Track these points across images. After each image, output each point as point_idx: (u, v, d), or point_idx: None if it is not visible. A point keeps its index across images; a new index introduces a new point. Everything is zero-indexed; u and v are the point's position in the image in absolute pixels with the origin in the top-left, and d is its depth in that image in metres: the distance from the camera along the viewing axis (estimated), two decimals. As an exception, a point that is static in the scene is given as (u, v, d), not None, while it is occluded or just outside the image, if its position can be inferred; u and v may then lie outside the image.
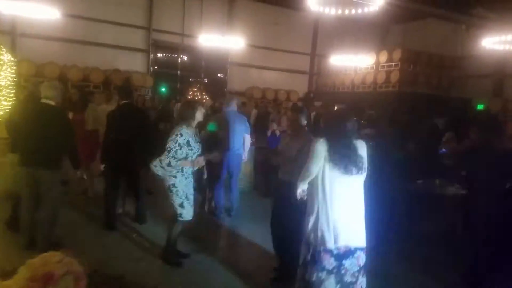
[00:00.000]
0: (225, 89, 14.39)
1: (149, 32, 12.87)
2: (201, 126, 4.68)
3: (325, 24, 14.45)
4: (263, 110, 10.76)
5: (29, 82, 10.15)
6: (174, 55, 14.05)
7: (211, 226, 5.22)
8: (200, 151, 3.75)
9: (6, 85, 8.88)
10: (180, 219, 3.75)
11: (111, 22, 11.91)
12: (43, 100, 3.73)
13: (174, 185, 3.69)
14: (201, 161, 3.82)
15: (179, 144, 3.55)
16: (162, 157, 3.56)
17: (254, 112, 10.60)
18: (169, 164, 3.55)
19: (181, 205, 3.72)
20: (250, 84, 14.45)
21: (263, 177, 6.91)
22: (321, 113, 9.76)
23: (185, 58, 14.29)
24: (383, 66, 13.19)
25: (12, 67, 9.84)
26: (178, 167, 3.61)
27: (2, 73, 8.76)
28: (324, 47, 15.31)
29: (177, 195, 3.69)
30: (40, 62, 10.61)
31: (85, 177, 6.23)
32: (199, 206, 5.36)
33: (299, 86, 15.61)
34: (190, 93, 13.67)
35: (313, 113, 9.95)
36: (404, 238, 4.68)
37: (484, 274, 3.59)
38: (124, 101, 4.89)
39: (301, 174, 2.88)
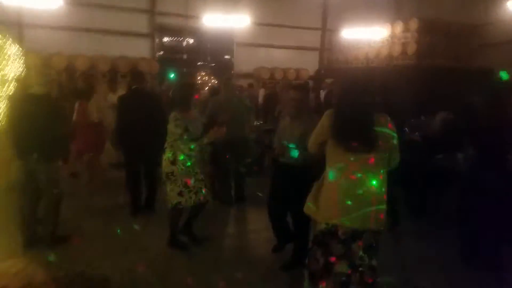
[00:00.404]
0: (232, 71, 14.27)
1: (153, 16, 12.79)
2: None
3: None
4: (271, 91, 10.67)
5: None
6: (179, 38, 13.97)
7: (220, 214, 5.26)
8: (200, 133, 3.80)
9: (15, 77, 9.06)
10: (179, 207, 3.77)
11: (115, 7, 11.88)
12: (32, 90, 3.75)
13: (172, 173, 3.69)
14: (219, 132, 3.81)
15: (178, 128, 3.66)
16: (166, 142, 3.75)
17: (261, 92, 10.50)
18: (172, 146, 3.74)
19: (180, 194, 3.73)
20: (257, 65, 14.29)
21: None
22: (332, 91, 9.59)
23: (191, 41, 14.19)
24: (399, 38, 12.74)
25: (20, 59, 10.03)
26: (182, 148, 3.70)
27: (10, 65, 8.92)
28: (335, 20, 14.88)
29: (176, 183, 3.70)
30: (47, 53, 10.73)
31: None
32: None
33: (310, 63, 15.32)
34: (199, 77, 13.65)
35: (323, 91, 9.82)
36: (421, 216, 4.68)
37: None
38: (135, 86, 4.91)
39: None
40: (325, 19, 15.67)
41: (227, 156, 5.39)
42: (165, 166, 3.69)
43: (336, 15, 14.82)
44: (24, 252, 3.70)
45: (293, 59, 14.93)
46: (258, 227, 4.68)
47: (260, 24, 13.56)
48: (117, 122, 4.92)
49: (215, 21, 11.69)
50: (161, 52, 13.51)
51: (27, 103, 3.66)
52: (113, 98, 6.95)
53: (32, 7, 9.67)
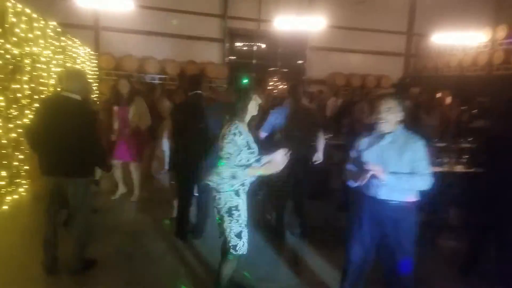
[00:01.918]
0: (303, 77, 13.81)
1: (225, 20, 12.89)
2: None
3: (425, -4, 13.10)
4: (348, 100, 9.91)
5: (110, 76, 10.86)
6: (250, 43, 13.90)
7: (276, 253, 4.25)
8: (258, 152, 2.95)
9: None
10: (234, 252, 2.91)
11: (186, 11, 12.16)
12: (64, 94, 3.26)
13: (237, 207, 2.84)
14: (280, 159, 2.89)
15: (239, 147, 2.77)
16: (221, 169, 2.78)
17: (332, 100, 9.65)
18: (234, 176, 2.77)
19: (239, 235, 2.89)
20: (332, 70, 13.64)
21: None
22: (421, 103, 8.59)
23: (261, 45, 14.03)
24: (501, 44, 11.31)
25: (93, 61, 10.65)
26: (245, 177, 2.84)
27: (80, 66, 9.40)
28: (424, 23, 13.82)
29: (237, 221, 2.86)
30: (119, 55, 11.27)
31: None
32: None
33: (392, 70, 14.27)
34: (270, 83, 13.42)
35: (407, 102, 8.83)
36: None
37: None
38: (193, 92, 4.29)
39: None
40: (412, 22, 14.58)
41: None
42: (227, 197, 2.84)
43: (426, 18, 13.78)
44: (45, 279, 3.29)
45: (373, 64, 14.02)
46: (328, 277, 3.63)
47: (337, 27, 12.95)
48: (171, 134, 4.45)
49: (288, 24, 11.39)
50: (231, 57, 13.53)
51: (56, 109, 3.21)
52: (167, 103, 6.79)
53: (107, 10, 10.20)
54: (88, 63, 9.82)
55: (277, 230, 4.56)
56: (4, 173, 4.55)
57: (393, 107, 2.72)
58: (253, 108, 2.90)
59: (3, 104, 4.56)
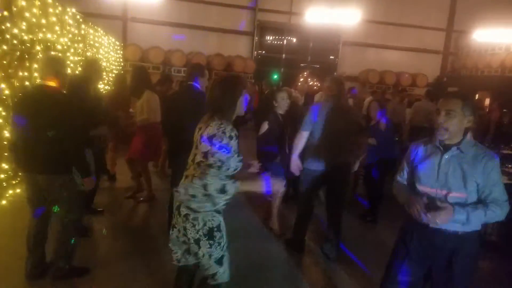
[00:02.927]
0: (335, 73, 13.05)
1: (255, 13, 12.32)
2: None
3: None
4: (380, 98, 9.13)
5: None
6: (280, 37, 13.26)
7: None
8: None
9: (111, 69, 9.29)
10: (213, 282, 2.27)
11: (216, 3, 11.68)
12: (39, 82, 2.90)
13: (219, 228, 2.20)
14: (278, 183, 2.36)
15: (232, 153, 2.12)
16: (206, 178, 2.06)
17: (368, 100, 8.94)
18: (223, 190, 2.08)
19: (220, 261, 2.24)
20: (365, 67, 12.83)
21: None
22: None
23: (292, 40, 13.37)
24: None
25: (118, 51, 10.36)
26: (234, 193, 2.14)
27: (102, 56, 9.11)
28: (464, 20, 12.84)
29: (219, 244, 2.20)
30: (146, 47, 10.95)
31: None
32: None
33: (429, 68, 13.30)
34: (301, 79, 12.77)
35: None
36: None
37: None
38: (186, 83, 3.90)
39: None
40: (452, 18, 13.51)
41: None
42: (207, 216, 2.16)
43: (466, 14, 12.78)
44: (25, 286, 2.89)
45: (408, 62, 13.11)
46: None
47: (372, 21, 12.12)
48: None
49: (320, 17, 10.71)
50: (259, 51, 12.95)
51: (30, 99, 2.85)
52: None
53: (136, 1, 9.88)
54: (112, 53, 9.52)
55: (296, 241, 3.98)
56: (5, 166, 4.20)
57: (457, 109, 2.03)
58: (241, 107, 2.25)
59: (7, 92, 4.19)
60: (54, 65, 2.91)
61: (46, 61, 3.01)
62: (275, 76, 12.85)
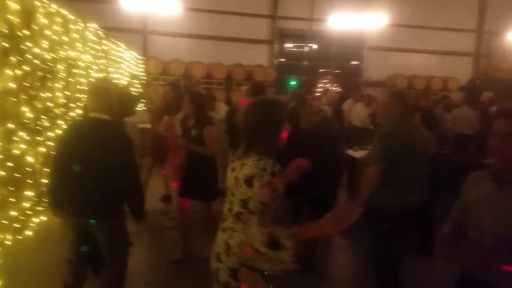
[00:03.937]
0: (360, 79, 12.62)
1: (275, 21, 12.04)
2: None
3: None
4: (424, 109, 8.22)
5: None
6: (301, 44, 12.93)
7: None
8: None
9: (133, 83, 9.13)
10: None
11: (234, 13, 11.47)
12: (92, 114, 2.59)
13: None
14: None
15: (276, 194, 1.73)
16: (250, 230, 1.64)
17: None
18: (275, 243, 1.58)
19: None
20: (391, 72, 12.35)
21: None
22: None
23: (313, 46, 13.02)
24: None
25: (140, 65, 10.23)
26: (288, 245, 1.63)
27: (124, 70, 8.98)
28: (496, 20, 12.26)
29: None
30: (167, 60, 10.80)
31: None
32: None
33: (460, 71, 12.68)
34: (320, 85, 12.40)
35: (493, 109, 7.43)
36: None
37: None
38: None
39: None
40: (483, 19, 12.92)
41: None
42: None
43: (498, 14, 12.20)
44: None
45: (438, 66, 12.57)
46: None
47: (397, 25, 11.65)
48: None
49: (344, 22, 10.33)
50: (280, 59, 12.65)
51: (82, 133, 2.54)
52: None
53: (155, 14, 9.75)
54: (134, 67, 9.38)
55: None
56: (30, 193, 3.97)
57: None
58: (282, 138, 1.81)
59: (30, 115, 3.97)
60: (106, 96, 2.61)
61: (97, 90, 2.69)
62: (293, 83, 12.51)
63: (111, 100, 2.62)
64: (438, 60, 12.70)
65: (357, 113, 7.67)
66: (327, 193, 3.47)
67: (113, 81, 5.44)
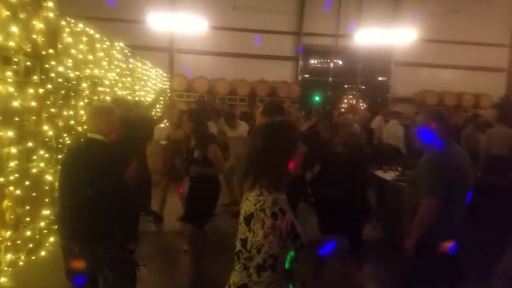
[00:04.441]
0: (387, 95, 12.23)
1: (299, 37, 11.93)
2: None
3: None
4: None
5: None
6: (326, 60, 12.74)
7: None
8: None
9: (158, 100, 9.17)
10: None
11: (259, 30, 11.42)
12: (90, 135, 2.53)
13: None
14: None
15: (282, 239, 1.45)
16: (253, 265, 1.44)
17: None
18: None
19: None
20: (419, 88, 11.91)
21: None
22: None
23: (338, 62, 12.80)
24: None
25: (165, 83, 10.30)
26: None
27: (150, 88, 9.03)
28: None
29: None
30: (191, 77, 10.84)
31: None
32: None
33: (492, 88, 12.09)
34: (345, 101, 12.13)
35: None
36: None
37: None
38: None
39: None
40: (517, 32, 12.34)
41: None
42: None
43: None
44: None
45: (468, 82, 12.02)
46: None
47: (426, 40, 11.26)
48: None
49: (369, 38, 10.08)
50: (305, 75, 12.48)
51: (77, 154, 2.51)
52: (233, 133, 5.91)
53: (182, 32, 9.83)
54: (159, 85, 9.43)
55: None
56: (46, 212, 3.90)
57: None
58: (295, 166, 1.54)
59: (50, 133, 3.94)
60: (105, 116, 2.53)
61: (95, 111, 2.67)
62: (317, 98, 12.27)
63: (109, 120, 2.53)
64: (470, 76, 12.17)
65: (391, 131, 7.23)
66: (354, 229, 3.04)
67: (137, 104, 5.36)
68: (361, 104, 11.86)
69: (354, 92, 12.56)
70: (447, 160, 2.59)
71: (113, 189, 2.35)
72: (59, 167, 2.68)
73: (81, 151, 2.52)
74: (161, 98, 8.06)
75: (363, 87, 12.66)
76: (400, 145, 6.69)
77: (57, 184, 3.75)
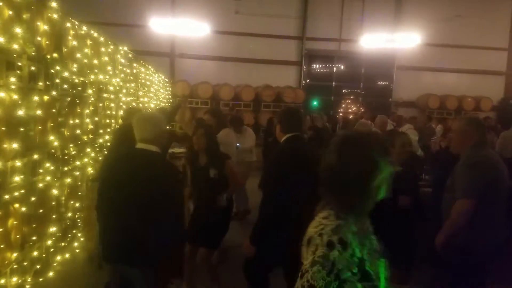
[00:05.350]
0: (390, 99, 12.02)
1: (302, 42, 11.68)
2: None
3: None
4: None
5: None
6: (329, 64, 12.52)
7: None
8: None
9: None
10: None
11: (262, 35, 11.18)
12: (140, 146, 2.21)
13: None
14: None
15: (337, 276, 1.13)
16: None
17: (440, 129, 7.72)
18: None
19: None
20: (422, 91, 11.74)
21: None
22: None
23: (341, 67, 12.58)
24: None
25: (168, 88, 9.96)
26: None
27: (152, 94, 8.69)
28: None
29: None
30: (194, 83, 10.53)
31: None
32: None
33: (492, 91, 12.00)
34: (343, 105, 11.90)
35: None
36: None
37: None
38: (290, 134, 2.77)
39: None
40: (515, 36, 12.24)
41: None
42: None
43: None
44: None
45: (469, 85, 11.91)
46: None
47: (428, 44, 11.10)
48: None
49: (372, 42, 9.88)
50: (308, 80, 12.24)
51: (125, 168, 2.18)
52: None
53: (184, 37, 9.54)
54: (162, 91, 9.10)
55: None
56: (54, 229, 3.54)
57: None
58: (382, 187, 1.24)
59: (56, 144, 3.58)
60: (157, 126, 2.24)
61: (147, 119, 2.32)
62: (315, 103, 12.03)
63: (162, 131, 2.24)
64: (470, 79, 12.05)
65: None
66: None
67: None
68: (361, 109, 11.65)
69: (352, 97, 12.36)
70: (482, 163, 2.56)
71: (167, 206, 2.03)
72: (99, 181, 2.35)
73: (137, 163, 2.14)
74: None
75: (363, 92, 12.45)
76: (416, 150, 6.42)
77: (64, 197, 3.40)
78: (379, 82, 12.63)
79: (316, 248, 1.18)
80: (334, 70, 12.45)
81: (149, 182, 2.00)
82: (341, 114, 11.45)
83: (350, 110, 11.87)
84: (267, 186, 2.76)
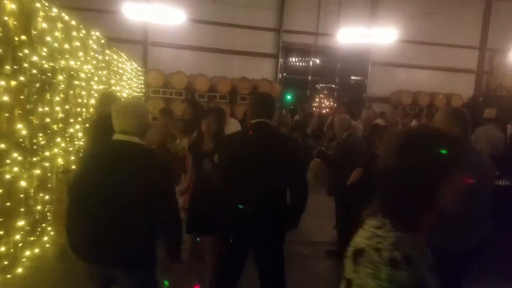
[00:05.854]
0: (364, 95, 12.25)
1: (279, 34, 11.66)
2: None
3: (500, 8, 11.39)
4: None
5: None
6: (306, 58, 12.59)
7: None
8: None
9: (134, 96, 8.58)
10: None
11: (239, 25, 11.05)
12: (118, 137, 2.03)
13: None
14: None
15: None
16: None
17: (415, 124, 8.02)
18: None
19: None
20: (395, 88, 12.04)
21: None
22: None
23: (317, 61, 12.68)
24: None
25: (140, 77, 9.69)
26: None
27: (125, 83, 8.45)
28: (499, 37, 12.12)
29: None
30: (168, 72, 10.28)
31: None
32: None
33: (462, 88, 12.47)
34: (317, 100, 12.05)
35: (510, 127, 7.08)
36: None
37: None
38: (257, 120, 2.70)
39: None
40: (486, 36, 12.76)
41: None
42: None
43: (500, 32, 12.13)
44: None
45: (441, 82, 12.31)
46: None
47: (402, 40, 11.36)
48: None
49: (348, 37, 9.99)
50: (284, 74, 12.25)
51: (106, 161, 2.00)
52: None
53: (157, 24, 9.28)
54: (135, 79, 8.85)
55: None
56: (22, 223, 3.36)
57: None
58: (451, 197, 1.08)
59: (24, 132, 3.39)
60: (140, 117, 2.06)
61: (129, 109, 2.09)
62: (288, 97, 12.10)
63: (146, 122, 2.09)
64: (443, 76, 12.46)
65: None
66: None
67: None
68: (333, 104, 11.85)
69: (325, 92, 12.53)
70: None
71: (163, 201, 1.94)
72: (75, 174, 2.19)
73: (122, 156, 1.98)
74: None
75: (337, 87, 12.62)
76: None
77: (33, 189, 3.24)
78: (353, 77, 12.84)
79: (376, 268, 1.00)
80: (311, 64, 12.54)
81: (141, 176, 1.89)
82: (315, 109, 11.58)
83: (323, 105, 12.05)
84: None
